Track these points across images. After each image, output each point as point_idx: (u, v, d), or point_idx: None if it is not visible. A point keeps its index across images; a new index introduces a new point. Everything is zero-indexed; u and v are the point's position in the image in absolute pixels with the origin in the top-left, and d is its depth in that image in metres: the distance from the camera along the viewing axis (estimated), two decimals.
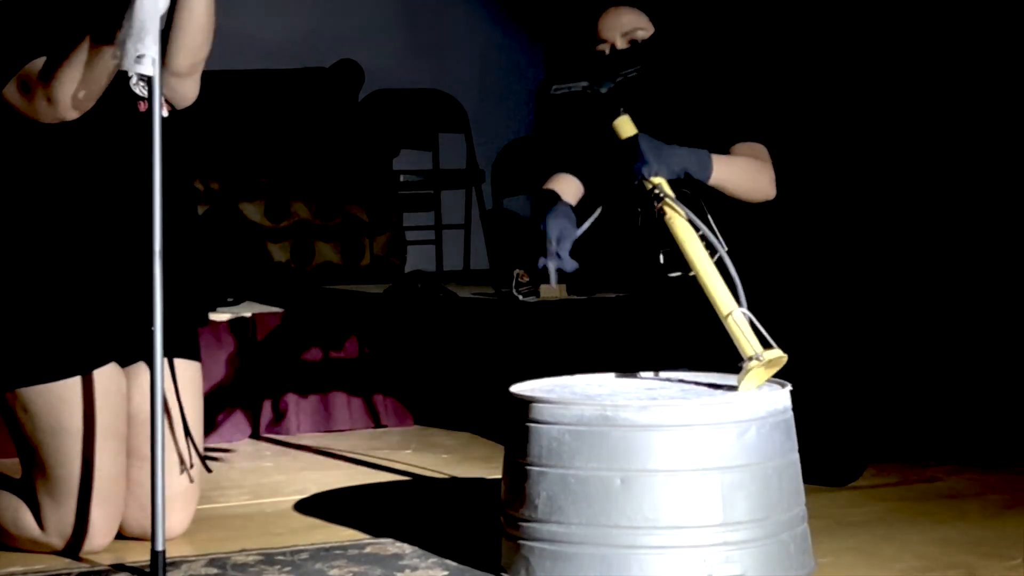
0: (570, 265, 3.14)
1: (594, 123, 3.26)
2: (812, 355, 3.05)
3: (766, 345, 2.79)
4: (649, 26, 3.42)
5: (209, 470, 2.98)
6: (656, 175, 3.04)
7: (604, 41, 3.42)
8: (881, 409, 4.45)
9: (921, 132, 5.83)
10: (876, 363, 3.58)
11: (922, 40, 5.83)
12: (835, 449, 3.36)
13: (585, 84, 3.23)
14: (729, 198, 3.29)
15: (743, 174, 3.29)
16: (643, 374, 3.00)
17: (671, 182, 3.06)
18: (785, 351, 2.82)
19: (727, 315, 2.81)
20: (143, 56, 2.61)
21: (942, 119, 5.77)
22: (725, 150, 3.32)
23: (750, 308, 2.82)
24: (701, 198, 3.21)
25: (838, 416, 3.34)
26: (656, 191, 3.00)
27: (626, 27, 3.40)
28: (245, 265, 5.58)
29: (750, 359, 2.77)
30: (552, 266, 3.11)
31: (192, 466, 2.98)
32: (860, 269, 5.33)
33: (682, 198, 3.02)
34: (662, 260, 3.14)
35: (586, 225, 3.27)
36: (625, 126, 3.14)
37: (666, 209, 2.97)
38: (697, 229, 2.91)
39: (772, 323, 3.12)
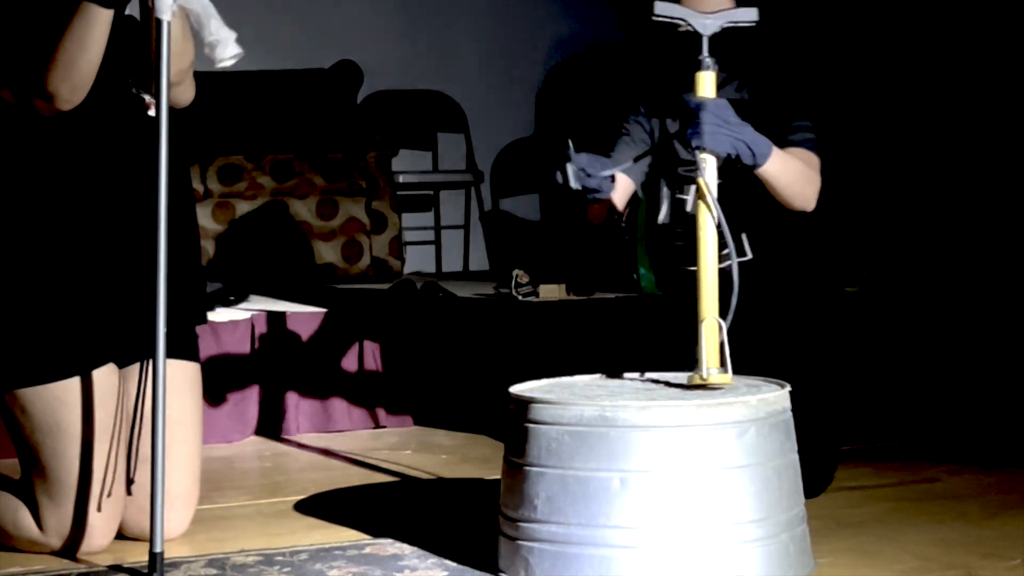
0: (606, 186, 3.04)
1: (678, 65, 3.13)
2: (786, 368, 3.03)
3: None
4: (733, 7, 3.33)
5: (129, 493, 2.96)
6: (705, 150, 2.93)
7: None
8: (872, 409, 4.45)
9: (924, 129, 5.83)
10: (840, 372, 3.54)
11: (919, 42, 5.83)
12: (809, 460, 3.24)
13: (689, 17, 2.99)
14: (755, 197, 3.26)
15: (795, 176, 3.20)
16: (642, 375, 2.99)
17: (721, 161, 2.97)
18: (763, 359, 2.84)
19: (702, 320, 2.81)
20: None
21: (944, 117, 5.77)
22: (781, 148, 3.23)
23: (741, 312, 2.82)
24: (738, 186, 3.17)
25: (811, 426, 3.24)
26: (700, 169, 2.91)
27: (711, 7, 3.25)
28: (290, 263, 5.61)
29: (698, 371, 2.78)
30: (572, 169, 2.98)
31: (132, 482, 2.96)
32: (858, 270, 5.33)
33: (722, 190, 2.94)
34: (676, 251, 3.10)
35: (629, 163, 3.23)
36: (706, 83, 2.98)
37: (699, 191, 2.89)
38: (719, 229, 2.86)
39: (755, 327, 3.12)
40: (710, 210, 2.88)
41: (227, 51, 2.74)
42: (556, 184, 3.03)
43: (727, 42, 3.24)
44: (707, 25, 3.00)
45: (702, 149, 2.94)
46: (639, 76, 3.56)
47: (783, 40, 3.41)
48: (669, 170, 3.37)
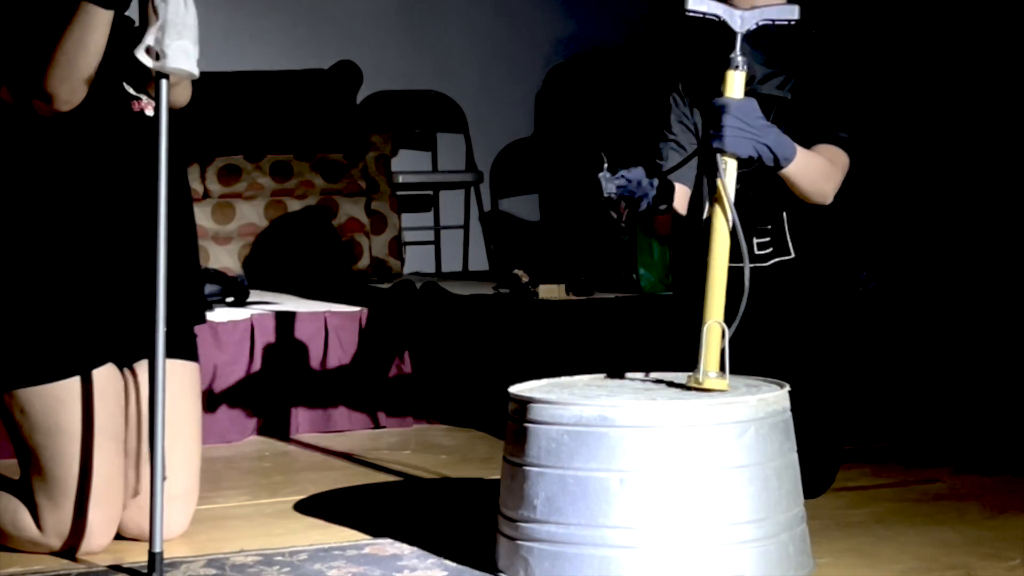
0: (647, 191, 2.98)
1: (709, 63, 3.09)
2: (790, 369, 3.03)
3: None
4: None
5: (164, 477, 2.97)
6: (726, 153, 2.92)
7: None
8: (875, 413, 4.45)
9: (922, 129, 5.82)
10: (856, 376, 3.54)
11: (914, 40, 5.83)
12: (810, 461, 3.11)
13: (723, 13, 2.93)
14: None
15: (816, 176, 3.20)
16: (642, 375, 2.99)
17: (741, 162, 2.96)
18: (766, 358, 2.84)
19: (706, 323, 2.80)
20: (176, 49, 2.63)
21: (943, 117, 5.77)
22: (809, 145, 3.23)
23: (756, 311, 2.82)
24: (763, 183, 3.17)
25: (813, 427, 3.20)
26: (719, 171, 2.90)
27: (750, 2, 3.21)
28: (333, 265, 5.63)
29: (697, 373, 2.78)
30: (604, 177, 2.93)
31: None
32: (858, 271, 5.33)
33: (740, 195, 2.92)
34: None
35: (673, 166, 3.21)
36: (735, 82, 2.95)
37: (716, 194, 2.89)
38: (734, 234, 2.84)
39: (761, 327, 3.10)
40: (726, 215, 2.87)
41: (172, 64, 2.67)
42: (600, 201, 2.98)
43: (772, 37, 3.22)
44: (742, 21, 2.95)
45: (722, 152, 2.93)
46: (681, 67, 3.52)
47: (829, 38, 3.37)
48: (711, 166, 3.35)
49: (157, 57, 2.65)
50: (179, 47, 2.64)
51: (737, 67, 2.94)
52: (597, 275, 5.30)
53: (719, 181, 2.89)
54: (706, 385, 2.76)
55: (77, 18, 2.75)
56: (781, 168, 3.10)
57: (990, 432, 4.25)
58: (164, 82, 2.69)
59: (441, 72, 6.71)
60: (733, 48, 2.94)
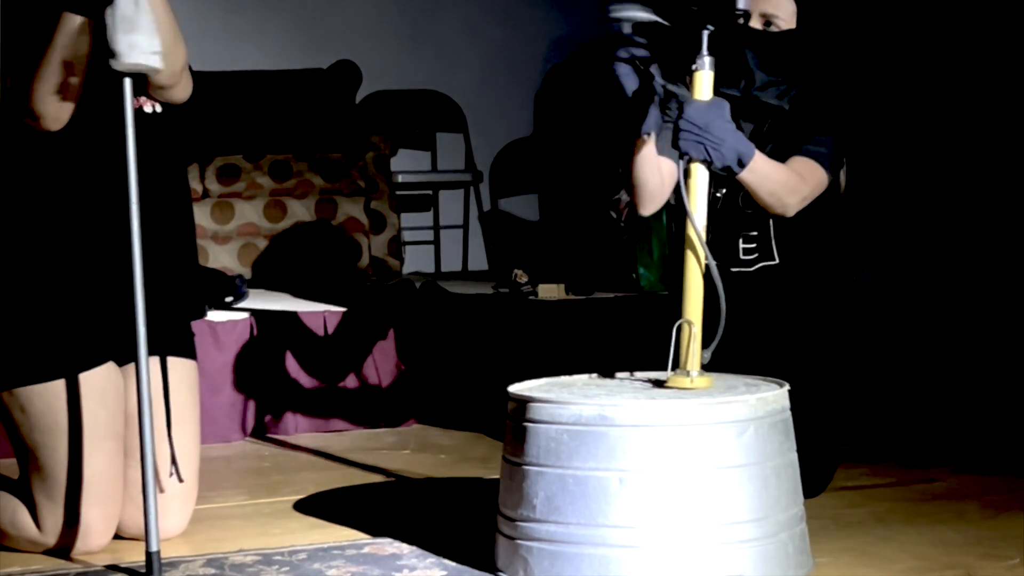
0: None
1: (674, 63, 3.02)
2: (788, 367, 3.03)
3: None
4: (792, 19, 3.27)
5: (180, 479, 2.98)
6: (685, 155, 2.90)
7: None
8: (875, 413, 4.45)
9: (923, 128, 5.82)
10: (853, 376, 3.54)
11: (913, 38, 5.83)
12: (810, 460, 3.10)
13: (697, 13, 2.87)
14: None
15: (776, 187, 3.17)
16: (641, 374, 2.99)
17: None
18: (765, 357, 2.83)
19: (688, 321, 2.79)
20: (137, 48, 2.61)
21: (943, 116, 5.77)
22: (785, 157, 3.22)
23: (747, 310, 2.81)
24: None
25: (811, 426, 3.19)
26: (680, 172, 2.89)
27: (769, 8, 3.21)
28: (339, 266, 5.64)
29: (681, 371, 2.77)
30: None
31: (171, 474, 2.97)
32: (857, 270, 5.33)
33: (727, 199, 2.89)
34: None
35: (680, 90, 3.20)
36: (701, 83, 2.92)
37: (686, 196, 2.88)
38: (698, 236, 2.84)
39: (759, 326, 3.10)
40: (690, 218, 2.86)
41: (126, 60, 2.65)
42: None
43: (778, 45, 3.21)
44: (708, 21, 2.90)
45: (680, 152, 2.93)
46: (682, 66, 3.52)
47: (838, 49, 3.34)
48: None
49: (113, 56, 2.64)
50: (127, 43, 2.62)
51: (702, 68, 2.91)
52: (597, 275, 5.30)
53: (683, 184, 2.89)
54: (693, 381, 2.76)
55: (59, 29, 2.74)
56: (735, 173, 3.08)
57: (989, 432, 4.25)
58: (127, 81, 2.67)
59: (440, 72, 6.71)
60: (696, 44, 2.92)
